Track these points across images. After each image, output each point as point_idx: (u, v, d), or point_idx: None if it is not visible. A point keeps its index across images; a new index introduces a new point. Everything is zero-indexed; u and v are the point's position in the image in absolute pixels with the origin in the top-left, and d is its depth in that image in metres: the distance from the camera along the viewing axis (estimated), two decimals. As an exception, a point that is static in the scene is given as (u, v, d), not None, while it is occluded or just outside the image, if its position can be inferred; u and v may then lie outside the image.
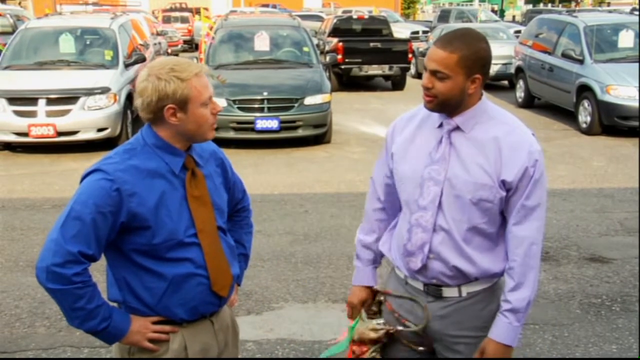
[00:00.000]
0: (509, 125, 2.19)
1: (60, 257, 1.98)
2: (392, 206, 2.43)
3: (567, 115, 11.42)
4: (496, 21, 27.74)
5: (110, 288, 2.18)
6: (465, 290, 2.25)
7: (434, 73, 2.12)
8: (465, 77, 2.11)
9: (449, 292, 2.26)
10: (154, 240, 2.07)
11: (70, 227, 1.99)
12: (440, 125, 2.21)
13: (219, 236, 2.22)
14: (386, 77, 16.06)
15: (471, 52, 2.09)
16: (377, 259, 2.51)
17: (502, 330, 2.19)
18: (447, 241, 2.20)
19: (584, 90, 10.58)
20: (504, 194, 2.15)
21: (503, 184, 2.13)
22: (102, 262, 2.18)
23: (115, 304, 2.17)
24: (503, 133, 2.15)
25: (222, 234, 2.25)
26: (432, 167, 2.19)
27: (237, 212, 2.45)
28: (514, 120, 2.23)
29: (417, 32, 26.60)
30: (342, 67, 15.50)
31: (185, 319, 2.18)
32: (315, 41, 13.40)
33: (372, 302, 2.46)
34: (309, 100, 9.59)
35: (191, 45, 28.96)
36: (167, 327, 2.16)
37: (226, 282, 2.23)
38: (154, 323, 2.15)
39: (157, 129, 2.11)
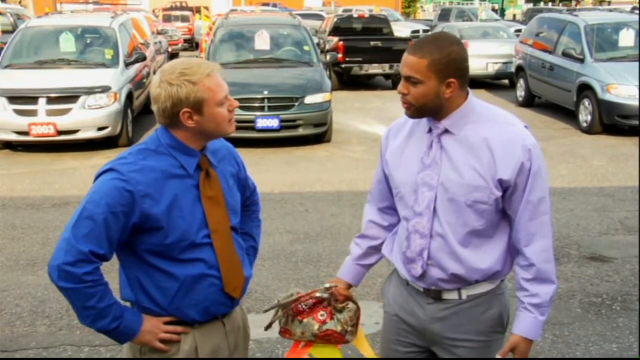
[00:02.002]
0: (499, 122, 2.16)
1: (72, 256, 1.98)
2: (390, 210, 2.43)
3: (568, 114, 11.41)
4: (497, 20, 27.73)
5: (122, 288, 2.19)
6: (466, 293, 2.24)
7: (407, 79, 2.12)
8: (439, 82, 2.08)
9: (449, 295, 2.25)
10: (166, 240, 2.07)
11: (82, 226, 1.99)
12: (430, 130, 2.20)
13: (232, 237, 2.22)
14: (386, 76, 16.07)
15: (442, 55, 2.07)
16: (366, 257, 2.50)
17: (527, 325, 2.19)
18: (443, 246, 2.19)
19: (585, 89, 10.58)
20: (499, 194, 2.13)
21: (500, 183, 2.11)
22: (112, 263, 2.18)
23: (127, 304, 2.17)
24: (493, 132, 2.12)
25: (235, 235, 2.25)
26: (424, 172, 2.18)
27: (246, 206, 2.44)
28: (505, 117, 2.20)
29: (417, 31, 26.59)
30: (343, 66, 15.49)
31: (197, 320, 2.17)
32: (316, 40, 13.39)
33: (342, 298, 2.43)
34: (310, 99, 9.59)
35: (192, 44, 28.96)
36: (178, 328, 2.16)
37: (239, 283, 2.23)
38: (166, 323, 2.15)
39: (173, 131, 2.10)
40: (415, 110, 2.15)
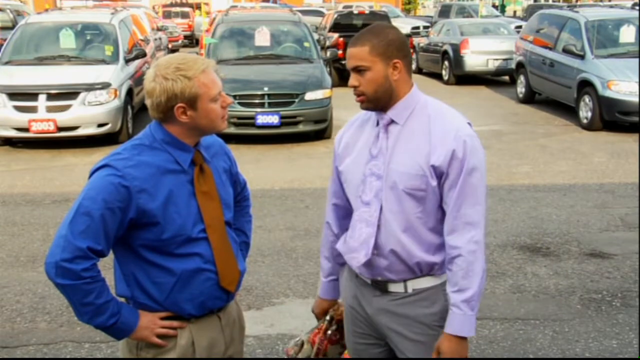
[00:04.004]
0: (440, 112, 2.21)
1: (69, 252, 1.99)
2: (345, 214, 2.45)
3: (568, 111, 11.40)
4: (497, 16, 27.66)
5: (118, 283, 2.19)
6: (411, 286, 2.26)
7: (355, 69, 2.18)
8: (385, 64, 2.15)
9: (395, 288, 2.28)
10: (162, 236, 2.07)
11: (79, 222, 2.00)
12: (378, 123, 2.26)
13: (226, 231, 2.22)
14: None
15: (380, 38, 2.15)
16: (336, 270, 2.52)
17: (455, 322, 2.16)
18: (388, 235, 2.22)
19: (585, 86, 10.56)
20: (434, 183, 2.15)
21: (434, 169, 2.14)
22: (109, 259, 2.18)
23: (123, 300, 2.17)
24: (433, 120, 2.18)
25: (229, 229, 2.25)
26: (372, 162, 2.24)
27: (238, 202, 2.45)
28: (447, 109, 2.25)
29: (417, 28, 26.54)
30: (343, 62, 15.43)
31: (193, 314, 2.18)
32: (316, 36, 13.38)
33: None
34: (310, 96, 9.58)
35: (192, 40, 28.95)
36: (175, 323, 2.16)
37: (234, 277, 2.24)
38: (162, 318, 2.15)
39: (167, 126, 2.11)
40: (370, 101, 2.20)
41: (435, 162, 2.13)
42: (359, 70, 2.17)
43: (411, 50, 18.31)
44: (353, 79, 2.19)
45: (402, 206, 2.18)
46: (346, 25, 17.20)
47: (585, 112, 10.55)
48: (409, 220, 2.19)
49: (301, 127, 9.62)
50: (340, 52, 15.05)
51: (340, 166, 2.37)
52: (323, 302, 2.54)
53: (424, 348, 2.28)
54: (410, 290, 2.27)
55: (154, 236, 2.07)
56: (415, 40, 17.85)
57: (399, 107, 2.20)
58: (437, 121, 2.17)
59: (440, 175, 2.15)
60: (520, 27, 18.90)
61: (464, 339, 2.17)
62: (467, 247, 2.14)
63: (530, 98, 12.92)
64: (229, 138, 9.24)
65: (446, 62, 16.14)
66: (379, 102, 2.19)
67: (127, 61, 10.33)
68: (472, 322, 2.17)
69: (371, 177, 2.23)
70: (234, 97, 9.33)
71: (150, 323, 2.13)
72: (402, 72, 2.18)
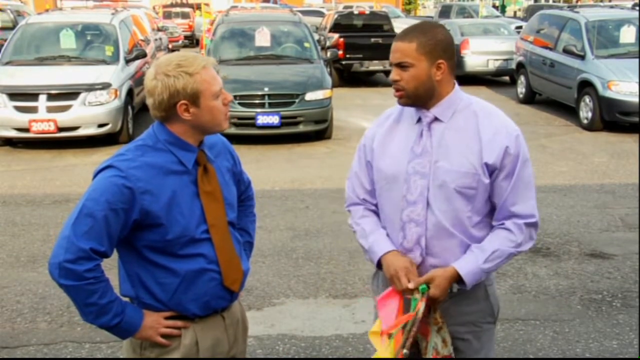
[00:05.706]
0: (486, 110, 2.24)
1: (72, 253, 1.99)
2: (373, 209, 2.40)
3: (569, 111, 11.40)
4: (497, 17, 27.65)
5: (122, 284, 2.19)
6: (456, 285, 2.24)
7: (398, 65, 2.18)
8: (429, 64, 2.15)
9: None
10: (166, 237, 2.08)
11: (82, 223, 2.00)
12: (419, 120, 2.24)
13: (229, 231, 2.23)
14: (387, 73, 16.03)
15: (427, 37, 2.15)
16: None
17: (465, 261, 2.17)
18: (437, 234, 2.21)
19: (585, 86, 10.57)
20: (487, 181, 2.16)
21: (487, 167, 2.16)
22: (112, 259, 2.18)
23: (127, 300, 2.18)
24: (481, 118, 2.20)
25: (232, 229, 2.26)
26: (415, 161, 2.21)
27: (242, 201, 2.45)
28: (492, 107, 2.28)
29: (418, 28, 26.48)
30: (343, 62, 15.47)
31: (198, 314, 2.19)
32: (316, 37, 13.38)
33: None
34: (310, 96, 9.58)
35: (192, 40, 28.97)
36: (179, 323, 2.17)
37: (237, 277, 2.24)
38: (167, 318, 2.16)
39: (169, 126, 2.11)
40: (408, 97, 2.19)
41: (489, 159, 2.15)
42: (402, 65, 2.16)
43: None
44: (395, 74, 2.19)
45: (452, 205, 2.18)
46: (346, 26, 17.20)
47: (585, 112, 10.55)
48: (458, 218, 2.19)
49: (301, 128, 9.62)
50: (340, 52, 15.07)
51: (376, 163, 2.30)
52: (398, 255, 2.24)
53: (476, 344, 2.30)
54: (455, 290, 2.26)
55: (158, 237, 2.08)
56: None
57: (443, 105, 2.21)
58: (485, 120, 2.19)
59: (492, 172, 2.17)
60: (520, 27, 18.89)
61: (453, 277, 2.16)
62: (517, 228, 2.19)
63: (531, 98, 12.92)
64: (230, 138, 9.10)
65: (446, 63, 16.12)
66: (418, 99, 2.19)
67: (128, 61, 10.33)
68: (477, 274, 2.17)
69: (415, 176, 2.20)
70: (235, 97, 9.33)
71: (154, 323, 2.14)
72: (445, 73, 2.18)
